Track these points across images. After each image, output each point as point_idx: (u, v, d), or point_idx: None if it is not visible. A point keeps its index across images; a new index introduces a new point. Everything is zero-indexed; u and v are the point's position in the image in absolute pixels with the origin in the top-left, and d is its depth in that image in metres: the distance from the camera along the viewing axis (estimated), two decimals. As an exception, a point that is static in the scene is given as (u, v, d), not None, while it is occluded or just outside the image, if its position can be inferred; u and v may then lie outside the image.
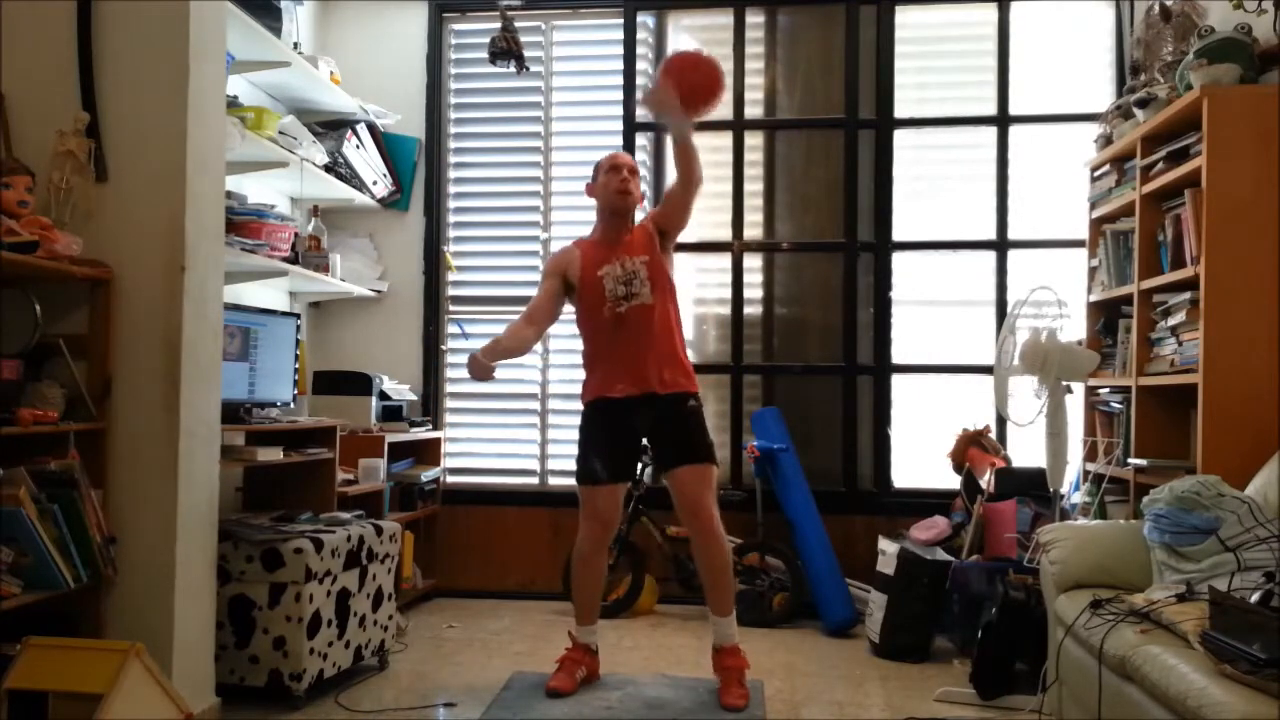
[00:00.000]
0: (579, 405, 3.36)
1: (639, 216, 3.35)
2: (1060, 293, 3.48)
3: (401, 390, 4.53)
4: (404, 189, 4.78)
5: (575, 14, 4.82)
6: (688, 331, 4.66)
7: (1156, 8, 3.75)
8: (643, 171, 4.61)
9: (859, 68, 4.61)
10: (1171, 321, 3.23)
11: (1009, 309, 3.80)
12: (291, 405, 3.78)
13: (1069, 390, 3.51)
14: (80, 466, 2.55)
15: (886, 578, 3.73)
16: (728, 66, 4.65)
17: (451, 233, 4.89)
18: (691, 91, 3.01)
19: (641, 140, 4.75)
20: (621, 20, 4.73)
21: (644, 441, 3.39)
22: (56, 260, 2.55)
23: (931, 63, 4.64)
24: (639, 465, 3.34)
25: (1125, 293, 3.58)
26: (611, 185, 3.25)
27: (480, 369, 3.08)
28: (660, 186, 4.71)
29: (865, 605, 3.95)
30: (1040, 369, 3.40)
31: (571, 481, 3.47)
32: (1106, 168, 3.81)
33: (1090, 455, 3.85)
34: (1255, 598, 2.01)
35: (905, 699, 3.22)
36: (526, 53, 4.42)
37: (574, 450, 3.34)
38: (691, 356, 4.61)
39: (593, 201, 3.36)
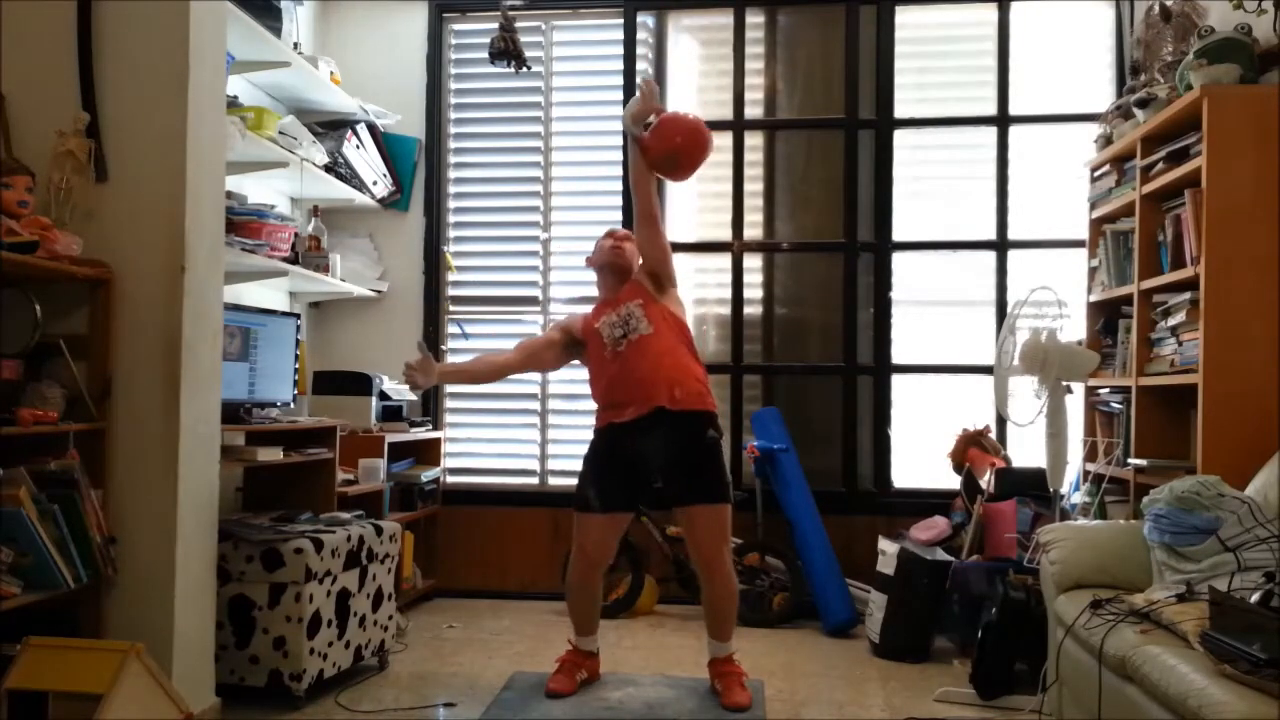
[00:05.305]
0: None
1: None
2: (1060, 293, 3.48)
3: (401, 390, 4.51)
4: (404, 189, 4.78)
5: (575, 14, 4.82)
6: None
7: (1156, 8, 3.75)
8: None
9: (859, 68, 4.61)
10: (1171, 321, 3.23)
11: (1009, 309, 3.80)
12: (291, 405, 3.78)
13: (1069, 390, 3.51)
14: (80, 466, 2.55)
15: (886, 578, 3.73)
16: (727, 66, 4.68)
17: (451, 233, 4.89)
18: (675, 149, 3.20)
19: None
20: (621, 20, 4.74)
21: (654, 476, 3.20)
22: (56, 260, 2.55)
23: (931, 63, 4.64)
24: (643, 497, 3.24)
25: (1125, 293, 3.58)
26: (605, 245, 3.40)
27: (416, 373, 3.10)
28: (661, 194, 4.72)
29: (865, 605, 3.95)
30: (1040, 369, 3.40)
31: (572, 480, 3.46)
32: (1106, 168, 3.81)
33: (1090, 455, 3.85)
34: (1255, 598, 2.01)
35: (905, 699, 3.23)
36: (526, 53, 4.42)
37: (573, 449, 3.33)
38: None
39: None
